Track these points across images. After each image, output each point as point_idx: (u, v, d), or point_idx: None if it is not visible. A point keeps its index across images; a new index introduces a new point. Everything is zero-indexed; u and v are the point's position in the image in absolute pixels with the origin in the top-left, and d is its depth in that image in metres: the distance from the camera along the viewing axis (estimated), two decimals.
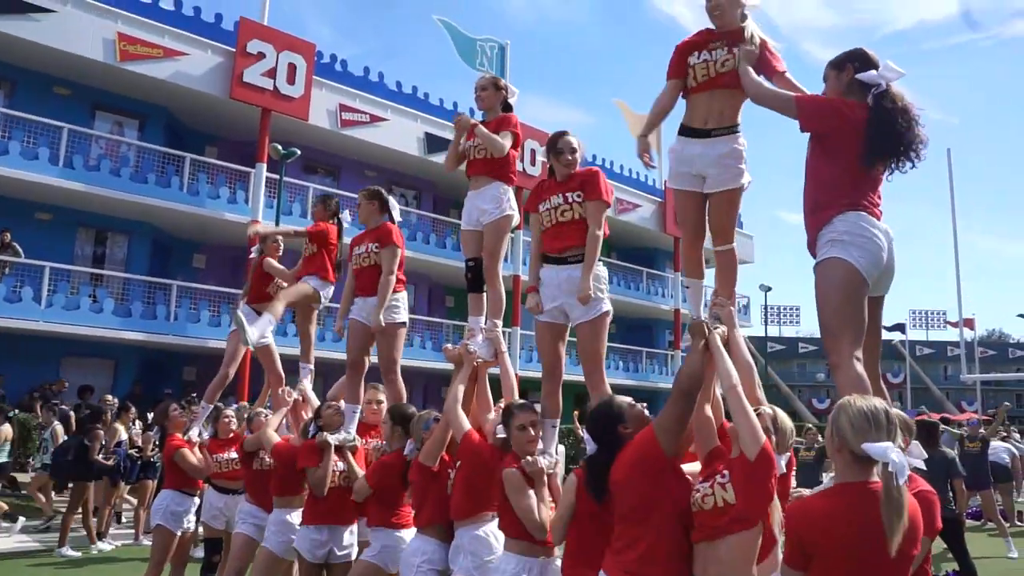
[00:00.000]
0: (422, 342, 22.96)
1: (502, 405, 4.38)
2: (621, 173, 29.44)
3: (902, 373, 56.45)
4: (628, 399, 3.52)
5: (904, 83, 3.65)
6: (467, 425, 4.27)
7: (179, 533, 6.43)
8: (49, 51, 16.69)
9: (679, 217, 4.24)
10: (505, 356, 4.81)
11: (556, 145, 4.33)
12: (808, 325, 77.05)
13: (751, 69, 3.91)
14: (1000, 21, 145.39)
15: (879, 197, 3.68)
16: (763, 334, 44.07)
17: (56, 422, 12.26)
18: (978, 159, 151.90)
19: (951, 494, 8.53)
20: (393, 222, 5.75)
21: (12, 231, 16.43)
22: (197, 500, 6.74)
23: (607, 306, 4.21)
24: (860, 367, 3.42)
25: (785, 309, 66.42)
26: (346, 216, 7.71)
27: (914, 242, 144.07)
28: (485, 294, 4.99)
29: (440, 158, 23.01)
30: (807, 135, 3.79)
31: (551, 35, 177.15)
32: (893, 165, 3.64)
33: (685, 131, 4.08)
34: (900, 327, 58.51)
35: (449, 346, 4.81)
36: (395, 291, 5.52)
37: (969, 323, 33.25)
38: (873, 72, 3.58)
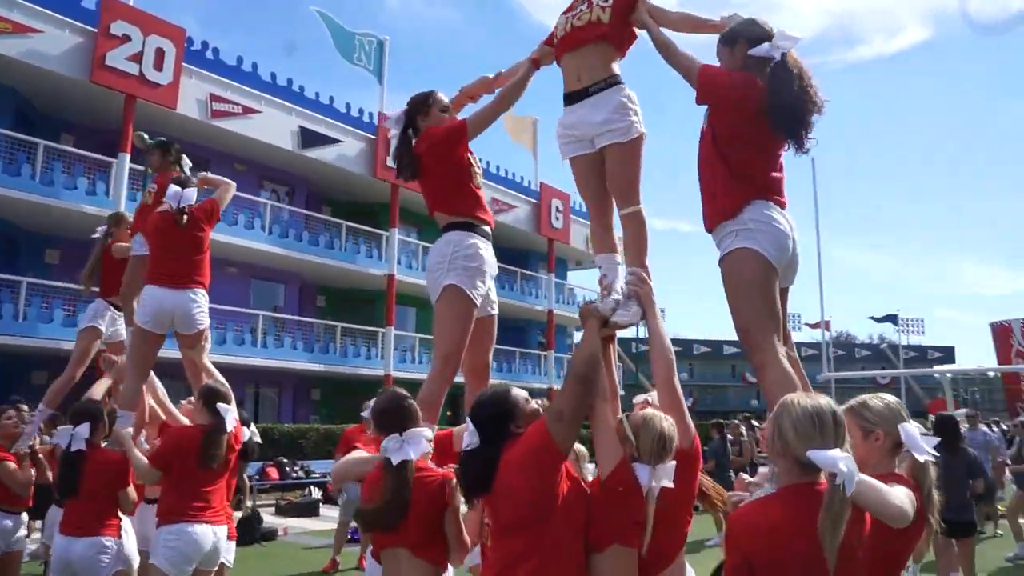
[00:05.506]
0: (293, 343, 22.25)
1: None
2: (497, 174, 29.49)
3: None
4: (525, 393, 3.01)
5: None
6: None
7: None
8: None
9: (580, 189, 3.86)
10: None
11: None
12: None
13: (649, 20, 3.65)
14: (847, 47, 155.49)
15: (783, 187, 3.45)
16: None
17: None
18: (830, 174, 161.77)
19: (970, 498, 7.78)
20: None
21: None
22: (25, 517, 5.97)
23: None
24: (788, 364, 3.17)
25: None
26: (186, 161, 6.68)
27: None
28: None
29: (314, 153, 22.35)
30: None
31: (426, 34, 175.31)
32: (791, 139, 3.36)
33: (565, 99, 3.81)
34: None
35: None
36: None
37: (827, 325, 35.86)
38: (766, 44, 3.31)
